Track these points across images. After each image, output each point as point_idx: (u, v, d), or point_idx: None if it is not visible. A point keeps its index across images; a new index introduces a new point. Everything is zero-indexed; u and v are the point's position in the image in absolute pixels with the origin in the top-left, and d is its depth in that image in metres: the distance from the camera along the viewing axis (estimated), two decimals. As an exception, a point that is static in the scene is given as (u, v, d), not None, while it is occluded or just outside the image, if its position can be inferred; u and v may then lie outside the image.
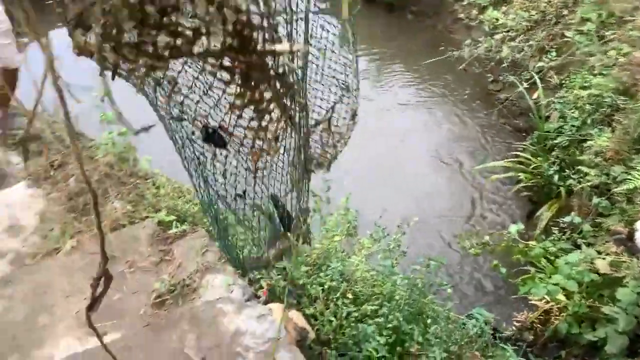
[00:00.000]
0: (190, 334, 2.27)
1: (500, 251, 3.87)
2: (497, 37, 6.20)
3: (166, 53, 0.84)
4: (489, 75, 6.36)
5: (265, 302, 2.52)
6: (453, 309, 3.04)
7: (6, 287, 2.66)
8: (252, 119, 1.15)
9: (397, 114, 6.13)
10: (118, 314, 2.50)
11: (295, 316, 2.52)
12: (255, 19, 0.84)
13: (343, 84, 1.86)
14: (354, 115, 1.97)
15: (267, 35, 0.88)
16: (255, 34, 0.86)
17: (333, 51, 1.74)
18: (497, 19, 6.36)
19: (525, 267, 3.57)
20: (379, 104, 6.24)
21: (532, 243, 3.67)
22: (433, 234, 4.55)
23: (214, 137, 1.31)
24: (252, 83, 0.99)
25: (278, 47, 0.90)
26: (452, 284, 3.08)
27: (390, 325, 2.61)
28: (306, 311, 2.70)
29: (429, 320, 2.79)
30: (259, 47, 0.87)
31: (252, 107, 1.07)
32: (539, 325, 3.33)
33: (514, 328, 3.42)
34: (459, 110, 6.17)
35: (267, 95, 1.04)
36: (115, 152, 3.66)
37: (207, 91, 1.13)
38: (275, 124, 1.21)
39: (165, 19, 0.81)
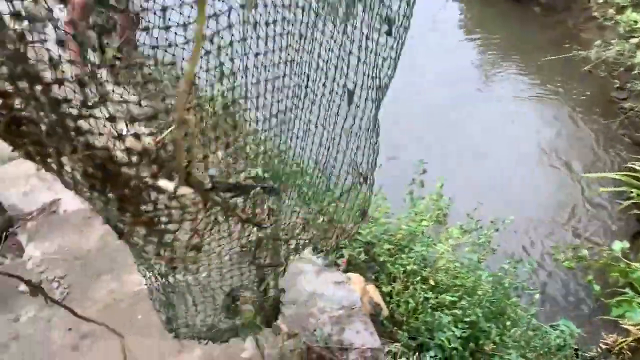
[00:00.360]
0: (269, 286, 2.31)
1: (598, 267, 3.62)
2: (633, 41, 5.68)
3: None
4: (615, 81, 5.87)
5: (344, 271, 2.52)
6: (536, 315, 2.89)
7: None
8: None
9: (507, 105, 5.82)
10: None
11: (372, 290, 2.50)
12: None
13: (360, 172, 1.55)
14: (363, 214, 1.66)
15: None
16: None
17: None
18: (635, 22, 5.82)
19: (623, 289, 3.30)
20: (490, 93, 5.97)
21: (635, 265, 3.39)
22: (527, 236, 4.32)
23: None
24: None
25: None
26: (540, 291, 2.91)
27: (467, 319, 2.52)
28: (383, 288, 2.67)
29: (508, 322, 2.67)
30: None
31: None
32: (628, 352, 3.08)
33: (599, 349, 3.19)
34: (574, 113, 5.76)
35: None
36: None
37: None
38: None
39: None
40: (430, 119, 5.27)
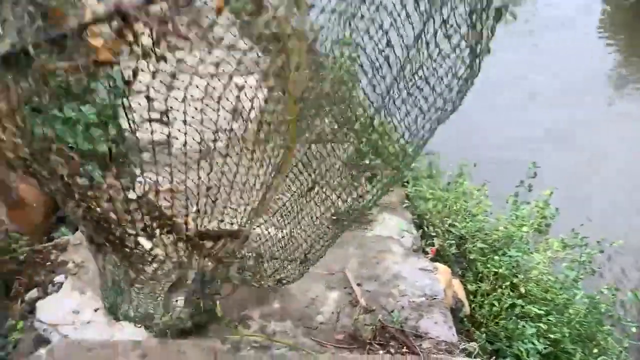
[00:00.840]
0: (354, 258, 2.32)
1: None
2: None
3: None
4: None
5: (432, 260, 2.47)
6: (629, 350, 2.67)
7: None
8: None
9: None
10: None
11: (457, 285, 2.43)
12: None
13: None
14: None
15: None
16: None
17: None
18: None
19: None
20: (619, 107, 5.51)
21: None
22: (635, 263, 3.98)
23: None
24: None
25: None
26: (638, 325, 2.68)
27: (551, 336, 2.39)
28: (468, 286, 2.59)
29: (596, 350, 2.49)
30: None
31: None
32: None
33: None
34: None
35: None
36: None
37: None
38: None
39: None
40: (550, 125, 4.97)
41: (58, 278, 2.22)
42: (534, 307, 2.53)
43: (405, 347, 1.93)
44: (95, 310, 2.08)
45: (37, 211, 2.87)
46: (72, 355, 1.78)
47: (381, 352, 1.90)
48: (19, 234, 2.64)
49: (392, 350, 1.90)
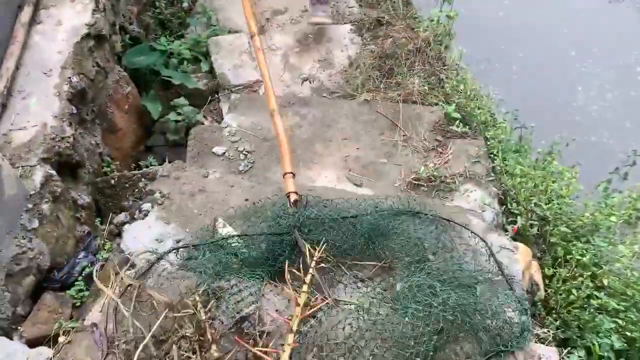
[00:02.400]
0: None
1: None
2: None
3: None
4: None
5: (512, 239, 2.39)
6: None
7: (303, 106, 2.97)
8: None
9: None
10: (378, 175, 2.64)
11: (535, 268, 2.35)
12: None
13: None
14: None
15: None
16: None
17: None
18: None
19: None
20: None
21: None
22: None
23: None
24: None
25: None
26: None
27: (628, 333, 2.29)
28: (545, 270, 2.50)
29: (677, 353, 2.37)
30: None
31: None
32: None
33: None
34: None
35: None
36: (436, 32, 3.64)
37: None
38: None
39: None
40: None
41: (145, 206, 2.32)
42: (612, 300, 2.42)
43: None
44: (177, 242, 2.16)
45: (128, 138, 2.99)
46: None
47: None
48: (110, 158, 2.77)
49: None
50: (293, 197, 2.21)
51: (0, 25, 2.39)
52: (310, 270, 1.82)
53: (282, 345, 1.61)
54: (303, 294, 1.73)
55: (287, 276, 1.84)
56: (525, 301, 1.90)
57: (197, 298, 1.74)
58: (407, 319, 1.68)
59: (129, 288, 1.70)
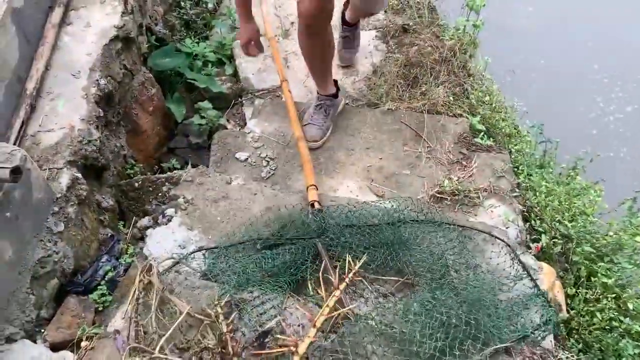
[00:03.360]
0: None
1: None
2: None
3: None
4: None
5: (535, 257, 2.36)
6: None
7: (327, 114, 2.95)
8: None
9: None
10: (400, 187, 2.62)
11: (558, 288, 2.32)
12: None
13: None
14: None
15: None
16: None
17: None
18: None
19: None
20: None
21: None
22: None
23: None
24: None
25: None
26: None
27: (651, 358, 2.25)
28: (567, 290, 2.47)
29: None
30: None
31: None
32: None
33: None
34: None
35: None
36: (462, 41, 3.61)
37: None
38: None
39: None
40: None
41: (169, 211, 2.33)
42: (636, 324, 2.38)
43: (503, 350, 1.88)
44: (200, 248, 2.16)
45: (151, 140, 3.01)
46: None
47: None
48: (134, 159, 2.78)
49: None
50: (316, 205, 2.21)
51: (32, 26, 2.40)
52: (346, 280, 1.83)
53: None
54: (333, 299, 1.73)
55: (309, 287, 1.85)
56: (547, 295, 1.88)
57: (219, 310, 1.74)
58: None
59: (151, 290, 1.71)
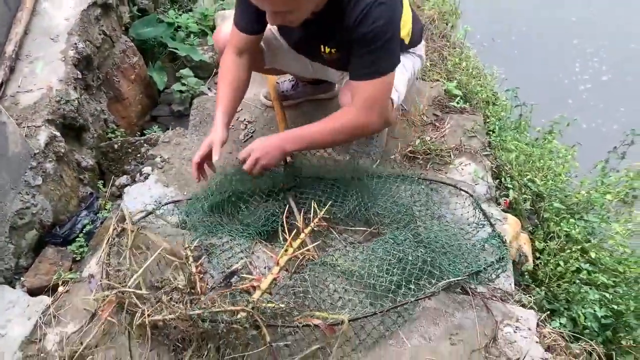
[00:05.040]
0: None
1: None
2: None
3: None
4: None
5: (503, 212, 2.43)
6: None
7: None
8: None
9: None
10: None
11: (524, 240, 2.39)
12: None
13: None
14: None
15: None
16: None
17: None
18: None
19: None
20: None
21: None
22: None
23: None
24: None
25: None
26: None
27: (615, 307, 2.33)
28: (536, 243, 2.54)
29: (660, 329, 2.40)
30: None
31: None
32: None
33: None
34: None
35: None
36: (441, 9, 3.66)
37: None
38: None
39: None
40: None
41: (146, 169, 2.40)
42: (602, 275, 2.45)
43: (460, 288, 1.95)
44: (175, 203, 2.24)
45: (133, 107, 3.07)
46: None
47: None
48: (115, 125, 2.85)
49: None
50: (288, 160, 2.28)
51: (10, -8, 2.46)
52: (312, 225, 1.89)
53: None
54: (298, 240, 1.80)
55: (280, 235, 1.92)
56: (503, 237, 1.96)
57: (189, 252, 1.81)
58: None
59: (124, 237, 1.77)
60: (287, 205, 2.10)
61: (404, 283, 1.69)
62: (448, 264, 1.80)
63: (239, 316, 1.44)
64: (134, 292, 1.60)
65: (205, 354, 1.50)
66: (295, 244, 1.82)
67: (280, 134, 1.99)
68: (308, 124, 1.96)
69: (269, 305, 1.51)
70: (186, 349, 1.53)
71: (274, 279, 1.70)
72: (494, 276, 1.82)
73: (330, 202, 2.03)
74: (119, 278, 1.69)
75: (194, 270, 1.78)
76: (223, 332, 1.47)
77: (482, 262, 1.81)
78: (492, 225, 2.03)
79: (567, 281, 2.45)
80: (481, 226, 2.09)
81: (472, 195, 2.22)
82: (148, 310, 1.48)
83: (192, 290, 1.77)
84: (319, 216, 1.94)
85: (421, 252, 1.79)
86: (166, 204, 2.15)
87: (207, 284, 1.78)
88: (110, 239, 1.82)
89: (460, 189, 2.26)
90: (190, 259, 1.81)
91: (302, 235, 1.86)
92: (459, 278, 1.71)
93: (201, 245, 1.90)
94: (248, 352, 1.50)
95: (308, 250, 1.83)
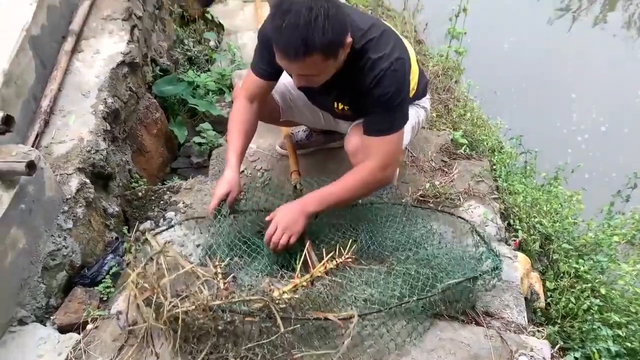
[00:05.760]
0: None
1: None
2: None
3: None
4: None
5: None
6: None
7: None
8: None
9: None
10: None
11: (535, 278, 2.46)
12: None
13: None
14: None
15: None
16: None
17: None
18: None
19: None
20: None
21: None
22: None
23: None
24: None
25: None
26: None
27: (628, 344, 2.36)
28: (547, 283, 2.60)
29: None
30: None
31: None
32: None
33: None
34: None
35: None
36: (445, 65, 3.86)
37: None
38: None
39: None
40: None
41: (169, 214, 2.52)
42: (614, 314, 2.49)
43: (474, 322, 2.01)
44: (197, 246, 2.34)
45: (155, 160, 3.23)
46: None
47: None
48: (138, 175, 2.99)
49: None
50: (294, 176, 2.43)
51: (47, 52, 2.67)
52: (340, 260, 1.97)
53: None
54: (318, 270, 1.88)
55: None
56: (497, 252, 2.09)
57: (219, 269, 1.87)
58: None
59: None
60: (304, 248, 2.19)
61: (408, 294, 1.79)
62: (448, 275, 1.90)
63: (255, 306, 1.52)
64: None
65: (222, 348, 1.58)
66: (316, 272, 1.89)
67: (301, 198, 2.11)
68: (327, 185, 2.10)
69: (285, 296, 1.59)
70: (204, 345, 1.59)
71: (294, 286, 1.77)
72: (490, 285, 1.92)
73: (350, 241, 2.12)
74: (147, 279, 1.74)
75: (222, 285, 1.85)
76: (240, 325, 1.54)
77: (478, 269, 1.92)
78: (486, 243, 2.14)
79: (580, 320, 2.49)
80: (481, 249, 2.18)
81: (468, 222, 2.34)
82: (172, 304, 1.56)
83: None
84: (345, 254, 2.01)
85: (425, 271, 1.89)
86: (181, 222, 2.26)
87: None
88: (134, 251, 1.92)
89: (459, 217, 2.39)
90: (220, 275, 1.88)
91: (322, 269, 1.94)
92: (458, 280, 1.81)
93: (229, 265, 1.98)
94: (263, 341, 1.57)
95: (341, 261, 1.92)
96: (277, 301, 1.63)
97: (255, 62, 2.14)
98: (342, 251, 2.05)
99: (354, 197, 2.16)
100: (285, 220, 1.99)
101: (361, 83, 1.89)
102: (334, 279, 1.87)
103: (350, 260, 2.05)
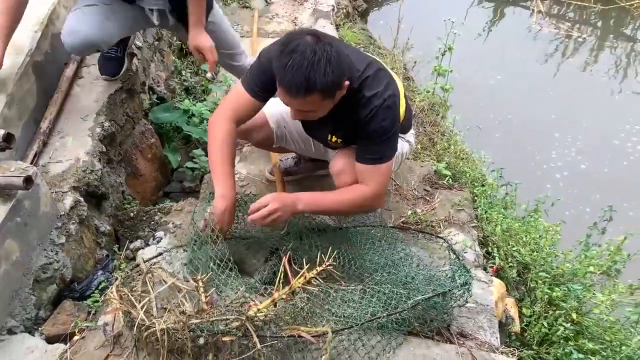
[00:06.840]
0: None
1: None
2: None
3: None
4: None
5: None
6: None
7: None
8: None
9: None
10: (367, 218, 2.90)
11: (510, 304, 2.54)
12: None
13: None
14: None
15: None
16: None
17: None
18: None
19: None
20: None
21: None
22: None
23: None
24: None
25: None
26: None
27: (602, 371, 2.43)
28: (524, 310, 2.68)
29: (647, 395, 2.48)
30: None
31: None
32: None
33: None
34: None
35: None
36: (431, 100, 4.03)
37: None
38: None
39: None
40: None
41: (158, 234, 2.61)
42: (588, 342, 2.57)
43: (448, 342, 2.09)
44: (184, 265, 2.42)
45: (149, 184, 3.33)
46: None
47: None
48: (131, 197, 3.09)
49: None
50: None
51: (49, 77, 2.81)
52: (320, 268, 2.04)
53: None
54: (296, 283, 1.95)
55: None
56: (469, 269, 2.16)
57: (201, 283, 1.94)
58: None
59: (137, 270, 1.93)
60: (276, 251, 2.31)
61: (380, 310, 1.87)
62: (419, 293, 1.98)
63: (232, 325, 1.60)
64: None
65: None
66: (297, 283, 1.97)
67: (296, 193, 2.22)
68: (322, 192, 2.26)
69: (259, 315, 1.67)
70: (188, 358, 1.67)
71: (272, 300, 1.84)
72: (463, 300, 2.00)
73: (330, 249, 2.20)
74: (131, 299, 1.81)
75: (203, 299, 1.92)
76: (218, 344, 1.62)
77: (448, 286, 2.01)
78: (459, 259, 2.23)
79: (557, 347, 2.56)
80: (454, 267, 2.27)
81: (445, 239, 2.45)
82: (153, 321, 1.64)
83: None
84: (326, 262, 2.08)
85: (399, 290, 1.98)
86: (171, 250, 2.34)
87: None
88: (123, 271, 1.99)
89: (437, 236, 2.50)
90: (201, 288, 1.95)
91: (299, 282, 2.01)
92: (428, 295, 1.90)
93: (211, 281, 2.05)
94: (243, 356, 1.65)
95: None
96: (253, 320, 1.71)
97: (249, 80, 2.16)
98: (323, 258, 2.13)
99: (343, 212, 2.38)
100: (277, 204, 2.06)
101: (356, 117, 2.07)
102: (313, 290, 1.94)
103: (331, 267, 2.13)
